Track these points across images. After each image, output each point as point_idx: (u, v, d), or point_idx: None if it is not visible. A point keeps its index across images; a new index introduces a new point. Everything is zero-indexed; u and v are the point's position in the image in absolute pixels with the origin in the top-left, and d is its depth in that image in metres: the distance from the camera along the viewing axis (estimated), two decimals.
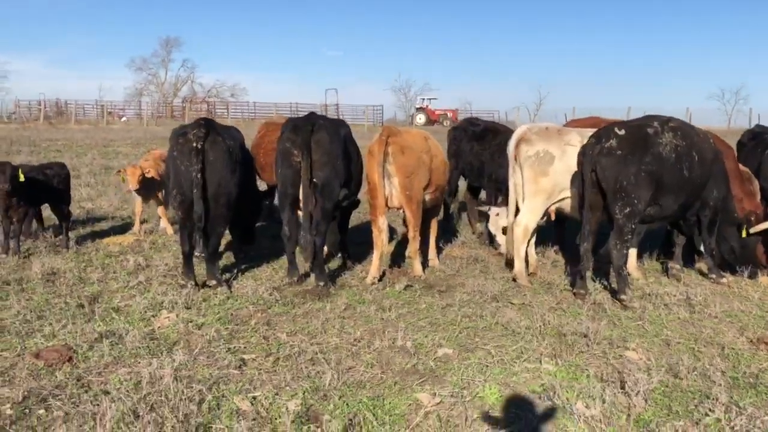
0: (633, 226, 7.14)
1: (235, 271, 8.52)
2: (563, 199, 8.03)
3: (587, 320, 6.57)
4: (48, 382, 5.05)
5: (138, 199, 10.59)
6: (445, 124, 55.85)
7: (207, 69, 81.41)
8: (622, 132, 7.06)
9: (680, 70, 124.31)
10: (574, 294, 7.49)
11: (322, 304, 7.11)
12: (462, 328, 6.40)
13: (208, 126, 7.47)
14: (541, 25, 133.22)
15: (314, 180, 7.52)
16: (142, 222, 10.95)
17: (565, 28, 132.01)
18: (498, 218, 9.78)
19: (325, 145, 7.56)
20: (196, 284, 7.60)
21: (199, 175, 7.25)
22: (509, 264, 8.38)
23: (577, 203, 7.41)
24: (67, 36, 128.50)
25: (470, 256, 9.54)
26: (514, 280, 8.10)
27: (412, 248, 8.25)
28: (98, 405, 4.59)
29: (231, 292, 7.49)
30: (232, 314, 6.76)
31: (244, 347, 5.87)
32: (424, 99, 64.49)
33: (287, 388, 5.04)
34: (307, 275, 8.10)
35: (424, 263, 8.69)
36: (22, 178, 8.72)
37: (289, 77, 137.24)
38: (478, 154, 10.65)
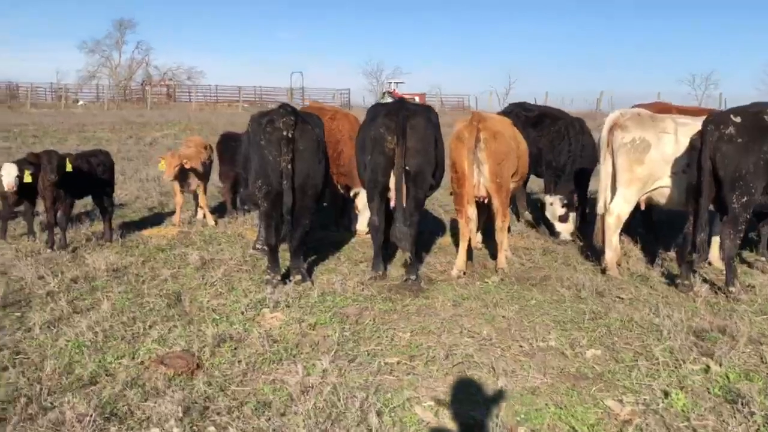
0: (747, 216, 6.96)
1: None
2: (657, 188, 7.80)
3: (710, 316, 6.37)
4: (194, 393, 4.58)
5: (177, 188, 9.98)
6: None
7: (161, 52, 79.18)
8: (739, 119, 6.84)
9: (650, 55, 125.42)
10: (677, 287, 7.27)
11: (426, 301, 6.76)
12: (596, 326, 6.09)
13: (296, 113, 6.99)
14: (512, 7, 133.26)
15: (407, 167, 7.14)
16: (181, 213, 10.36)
17: (535, 12, 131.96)
18: (554, 207, 9.57)
19: (420, 131, 7.18)
20: (282, 279, 7.15)
21: (289, 166, 6.79)
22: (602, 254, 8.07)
23: (691, 192, 7.15)
24: (13, 16, 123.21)
25: (537, 246, 9.27)
26: (603, 271, 7.85)
27: (499, 239, 7.92)
28: (270, 420, 4.18)
29: (313, 285, 7.11)
30: (338, 312, 6.34)
31: (381, 350, 5.47)
32: (391, 83, 64.09)
33: (459, 395, 4.68)
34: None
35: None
36: (69, 167, 8.10)
37: (244, 60, 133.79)
38: (535, 141, 10.34)
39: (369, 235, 9.45)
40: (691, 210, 7.17)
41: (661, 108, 9.49)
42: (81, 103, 56.16)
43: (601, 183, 8.06)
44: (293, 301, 6.55)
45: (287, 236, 7.05)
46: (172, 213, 10.52)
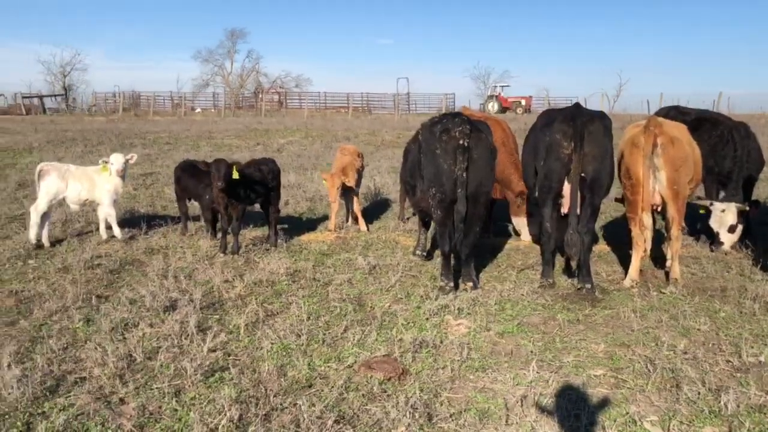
0: None
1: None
2: None
3: None
4: (410, 398, 4.62)
5: (335, 196, 10.20)
6: (518, 111, 55.08)
7: (270, 60, 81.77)
8: None
9: None
10: None
11: (609, 311, 6.60)
12: None
13: (470, 122, 6.99)
14: (622, 6, 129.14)
15: (583, 174, 7.00)
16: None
17: (646, 9, 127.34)
18: (725, 215, 9.09)
19: (598, 137, 7.03)
20: (456, 286, 7.18)
21: (464, 174, 6.80)
22: None
23: None
24: (133, 28, 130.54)
25: (702, 255, 8.87)
26: None
27: (673, 249, 7.64)
28: (497, 429, 4.17)
29: (481, 292, 7.09)
30: (523, 321, 6.29)
31: (581, 361, 5.37)
32: (496, 86, 63.56)
33: (682, 411, 4.52)
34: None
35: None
36: (236, 175, 8.43)
37: (346, 67, 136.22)
38: None
39: (530, 241, 9.44)
40: None
41: None
42: (198, 110, 58.74)
43: None
44: (472, 309, 6.55)
45: (458, 244, 7.06)
46: (321, 218, 10.76)
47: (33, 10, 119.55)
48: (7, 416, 4.38)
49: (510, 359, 5.41)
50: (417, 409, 4.45)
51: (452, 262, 7.33)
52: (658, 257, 8.36)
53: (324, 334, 5.81)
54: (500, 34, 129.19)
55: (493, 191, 8.84)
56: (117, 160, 9.33)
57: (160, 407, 4.52)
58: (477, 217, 7.18)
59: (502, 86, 63.49)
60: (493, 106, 58.78)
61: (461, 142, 6.80)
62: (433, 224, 8.21)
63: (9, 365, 4.97)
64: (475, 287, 7.25)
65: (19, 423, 4.26)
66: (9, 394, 4.62)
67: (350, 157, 10.19)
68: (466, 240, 7.18)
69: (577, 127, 6.93)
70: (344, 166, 10.00)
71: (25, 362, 5.19)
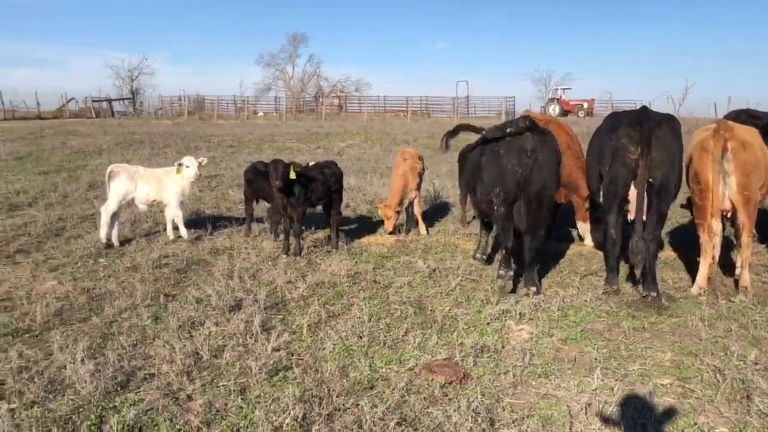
0: None
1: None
2: None
3: None
4: (472, 403, 4.61)
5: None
6: (579, 114, 54.19)
7: (330, 65, 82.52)
8: None
9: None
10: None
11: (676, 319, 6.44)
12: None
13: (536, 124, 6.94)
14: (688, 7, 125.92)
15: (650, 179, 6.86)
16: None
17: (715, 9, 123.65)
18: None
19: (667, 141, 6.87)
20: (514, 289, 7.15)
21: (529, 174, 6.75)
22: None
23: None
24: (198, 34, 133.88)
25: None
26: None
27: (743, 256, 7.40)
28: None
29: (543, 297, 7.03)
30: (586, 328, 6.20)
31: (647, 370, 5.26)
32: (557, 89, 62.67)
33: (755, 425, 4.38)
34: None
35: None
36: (293, 175, 8.55)
37: (404, 70, 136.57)
38: None
39: (593, 246, 9.29)
40: None
41: None
42: (260, 114, 59.75)
43: None
44: (534, 314, 6.49)
45: (522, 248, 7.01)
46: (381, 221, 10.80)
47: (104, 17, 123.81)
48: (81, 409, 4.55)
49: (573, 366, 5.34)
50: (479, 413, 4.43)
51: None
52: (726, 265, 8.11)
53: (385, 336, 5.84)
54: (562, 35, 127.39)
55: (558, 195, 8.75)
56: (191, 162, 9.60)
57: (226, 404, 4.62)
58: (541, 220, 7.12)
59: (564, 89, 62.56)
60: (554, 109, 57.97)
61: (526, 143, 6.77)
62: (494, 227, 8.17)
63: (82, 360, 5.16)
64: (537, 292, 7.18)
65: (92, 416, 4.42)
66: (83, 387, 4.80)
67: (410, 161, 10.19)
68: (530, 244, 7.13)
69: (645, 131, 6.79)
70: (401, 189, 10.05)
71: (97, 357, 5.39)
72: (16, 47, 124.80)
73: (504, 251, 7.24)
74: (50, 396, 4.73)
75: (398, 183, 10.06)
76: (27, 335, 5.97)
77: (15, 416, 4.42)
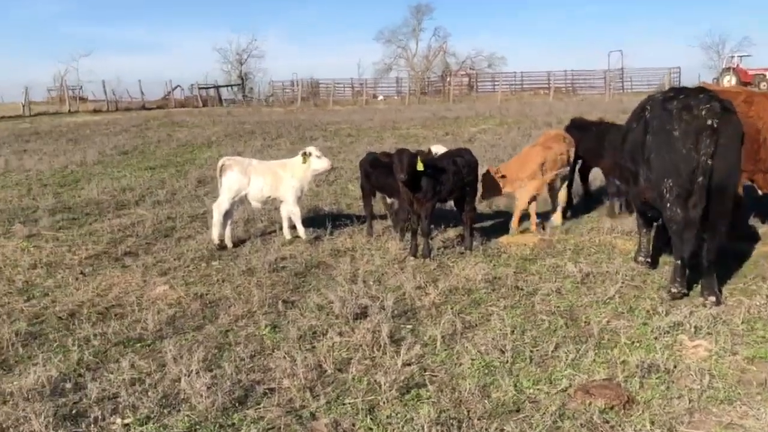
0: None
1: None
2: None
3: None
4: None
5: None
6: (762, 86, 51.03)
7: (458, 39, 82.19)
8: None
9: None
10: None
11: None
12: None
13: (719, 98, 6.63)
14: None
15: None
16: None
17: None
18: None
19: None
20: (684, 294, 6.92)
21: (709, 161, 6.46)
22: None
23: None
24: (311, 9, 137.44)
25: None
26: None
27: None
28: None
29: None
30: None
31: None
32: (733, 56, 59.48)
33: None
34: None
35: None
36: (420, 167, 8.54)
37: (545, 41, 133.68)
38: None
39: None
40: None
41: None
42: (380, 98, 60.65)
43: None
44: (713, 328, 6.19)
45: (700, 248, 6.72)
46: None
47: None
48: (198, 426, 4.78)
49: (763, 390, 5.06)
50: None
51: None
52: None
53: (531, 352, 5.77)
54: None
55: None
56: (315, 151, 9.93)
57: (353, 425, 4.72)
58: (723, 215, 6.85)
59: (741, 56, 59.33)
60: (729, 81, 55.05)
61: (709, 122, 6.49)
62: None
63: (198, 372, 5.41)
64: (717, 302, 6.84)
65: None
66: (199, 402, 5.04)
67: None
68: (710, 244, 6.85)
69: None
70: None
71: (213, 369, 5.64)
72: (115, 33, 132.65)
73: (679, 262, 6.98)
74: (165, 411, 4.99)
75: (531, 187, 9.96)
76: (139, 344, 6.34)
77: None
